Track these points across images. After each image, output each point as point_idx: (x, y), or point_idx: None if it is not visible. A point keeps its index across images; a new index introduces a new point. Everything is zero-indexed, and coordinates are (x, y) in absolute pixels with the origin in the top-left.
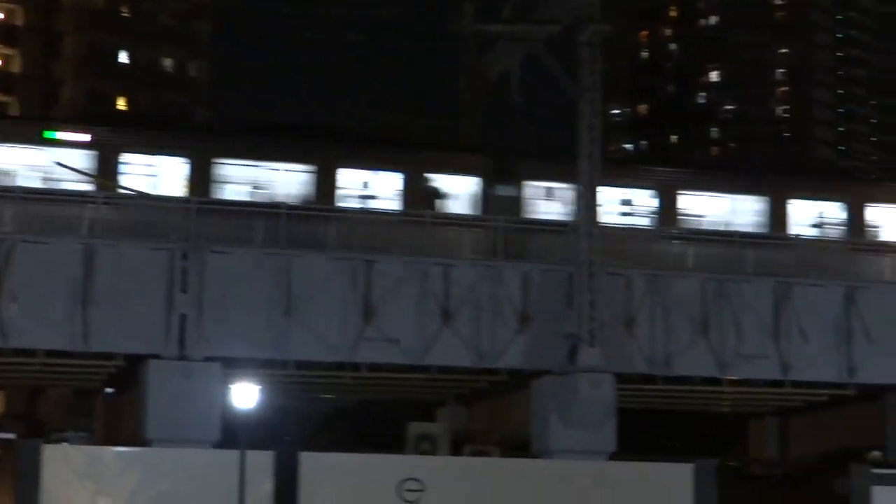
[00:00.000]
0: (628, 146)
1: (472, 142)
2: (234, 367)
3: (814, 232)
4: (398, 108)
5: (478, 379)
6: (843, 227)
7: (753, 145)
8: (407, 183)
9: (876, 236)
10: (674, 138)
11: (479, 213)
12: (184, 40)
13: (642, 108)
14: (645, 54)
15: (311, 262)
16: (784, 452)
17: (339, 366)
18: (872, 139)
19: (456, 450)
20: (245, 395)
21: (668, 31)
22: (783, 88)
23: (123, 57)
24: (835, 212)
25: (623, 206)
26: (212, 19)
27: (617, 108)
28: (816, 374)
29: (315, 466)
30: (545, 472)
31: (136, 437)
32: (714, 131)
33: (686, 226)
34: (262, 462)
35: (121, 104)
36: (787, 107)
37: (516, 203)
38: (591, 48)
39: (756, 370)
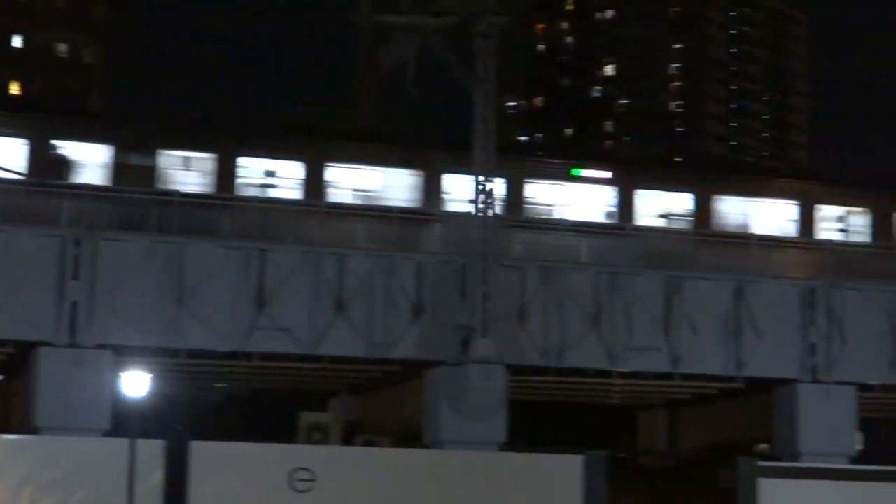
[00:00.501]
0: (523, 138)
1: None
2: (125, 355)
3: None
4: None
5: (371, 369)
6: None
7: (647, 139)
8: (32, 150)
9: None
10: (569, 131)
11: (110, 182)
12: (79, 25)
13: (538, 101)
14: (541, 47)
15: (205, 250)
16: (673, 444)
17: (232, 355)
18: (764, 135)
19: (348, 440)
20: (136, 384)
21: (565, 25)
22: (677, 83)
23: (17, 41)
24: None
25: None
26: (107, 4)
27: (513, 101)
28: (706, 367)
29: (205, 456)
30: (436, 462)
31: (25, 425)
32: (608, 125)
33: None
34: (152, 451)
35: (14, 89)
36: (681, 102)
37: (150, 173)
38: (486, 40)
39: (646, 363)
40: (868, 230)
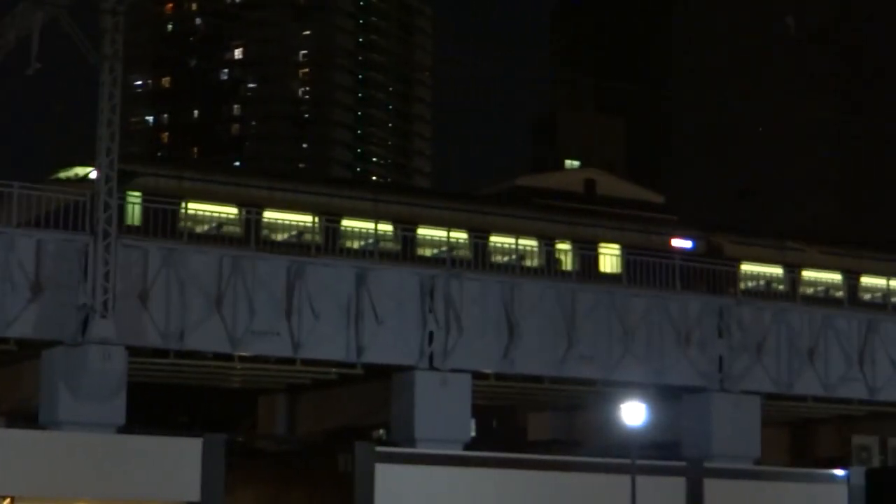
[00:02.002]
0: (149, 118)
1: None
2: None
3: None
4: None
5: None
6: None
7: (275, 125)
8: None
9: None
10: (196, 113)
11: None
12: None
13: (165, 81)
14: (170, 26)
15: None
16: (293, 429)
17: None
18: (389, 125)
19: None
20: None
21: (194, 5)
22: (305, 70)
23: None
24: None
25: None
26: None
27: (140, 80)
28: (326, 352)
29: None
30: (51, 443)
31: None
32: (236, 108)
33: None
34: None
35: None
36: (309, 88)
37: None
38: (114, 17)
39: (267, 347)
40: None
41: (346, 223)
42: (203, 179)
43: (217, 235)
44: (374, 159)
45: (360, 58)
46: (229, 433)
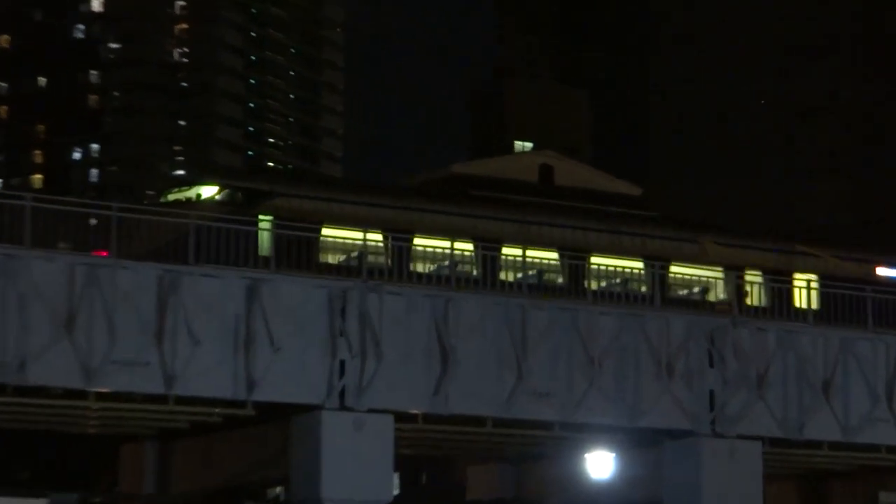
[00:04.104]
0: None
1: None
2: None
3: None
4: None
5: None
6: None
7: (143, 96)
8: None
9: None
10: (43, 81)
11: None
12: None
13: (4, 40)
14: None
15: None
16: (165, 487)
17: None
18: (290, 97)
19: None
20: None
21: None
22: (183, 26)
23: None
24: None
25: None
26: None
27: None
28: (208, 387)
29: None
30: None
31: None
32: (94, 75)
33: None
34: None
35: None
36: (187, 50)
37: None
38: None
39: (133, 381)
40: None
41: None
42: None
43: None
44: (271, 140)
45: (252, 10)
46: (83, 492)
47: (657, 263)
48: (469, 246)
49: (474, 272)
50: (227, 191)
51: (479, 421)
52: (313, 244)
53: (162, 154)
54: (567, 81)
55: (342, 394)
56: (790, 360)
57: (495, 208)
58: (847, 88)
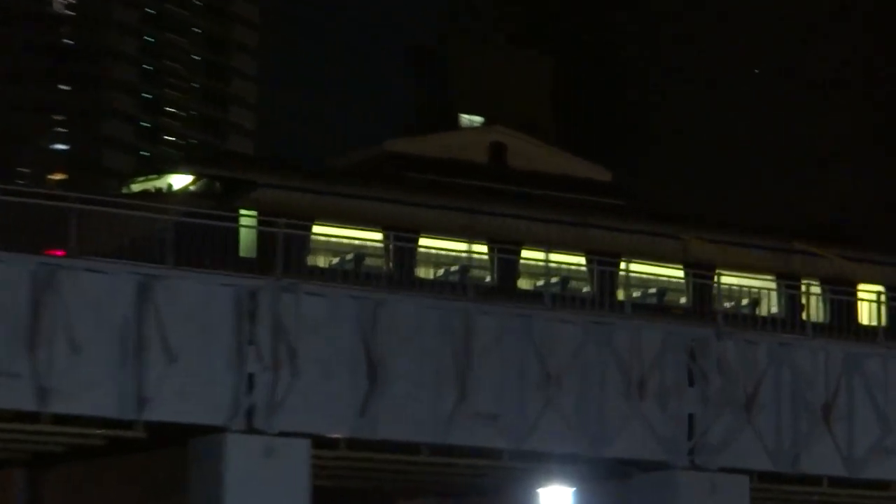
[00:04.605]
0: None
1: None
2: None
3: None
4: None
5: None
6: None
7: (16, 57)
8: None
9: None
10: None
11: None
12: None
13: None
14: None
15: None
16: None
17: None
18: (194, 57)
19: None
20: None
21: None
22: None
23: None
24: None
25: None
26: None
27: None
28: (90, 404)
29: None
30: None
31: None
32: None
33: None
34: None
35: None
36: (73, 1)
37: None
38: None
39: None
40: None
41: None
42: None
43: None
44: (171, 110)
45: None
46: None
47: (608, 261)
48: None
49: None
50: (203, 180)
51: (412, 448)
52: (304, 244)
53: (39, 125)
54: (527, 44)
55: (250, 413)
56: (784, 378)
57: (434, 194)
58: (858, 66)
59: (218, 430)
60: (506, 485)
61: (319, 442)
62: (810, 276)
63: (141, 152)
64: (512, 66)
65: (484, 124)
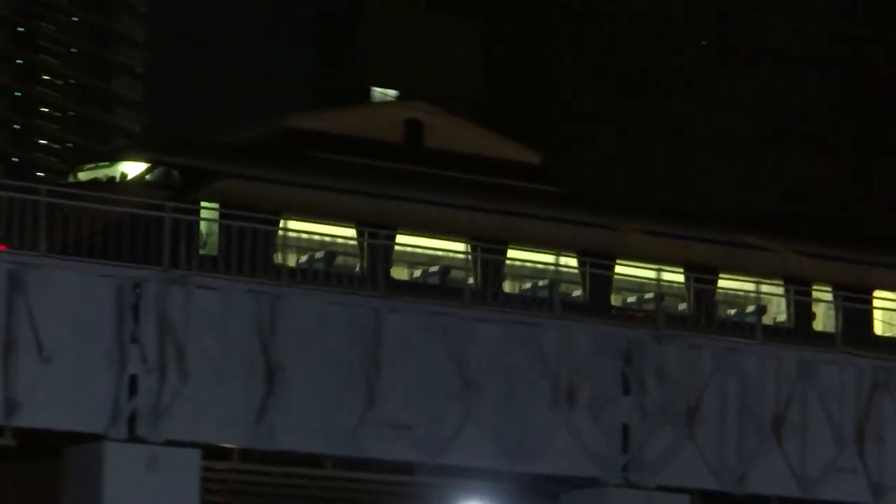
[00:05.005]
0: None
1: None
2: None
3: None
4: None
5: None
6: None
7: None
8: None
9: None
10: None
11: None
12: None
13: None
14: None
15: None
16: None
17: None
18: (73, 18)
19: None
20: None
21: None
22: None
23: None
24: None
25: None
26: None
27: None
28: None
29: None
30: None
31: None
32: None
33: None
34: None
35: None
36: None
37: None
38: None
39: None
40: None
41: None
42: None
43: None
44: (46, 77)
45: None
46: None
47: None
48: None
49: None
50: (159, 169)
51: (315, 460)
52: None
53: None
54: (450, 8)
55: (132, 420)
56: (731, 387)
57: (343, 176)
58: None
59: (96, 439)
60: (419, 502)
61: (210, 452)
62: (755, 272)
63: (14, 125)
64: (431, 32)
65: (399, 98)
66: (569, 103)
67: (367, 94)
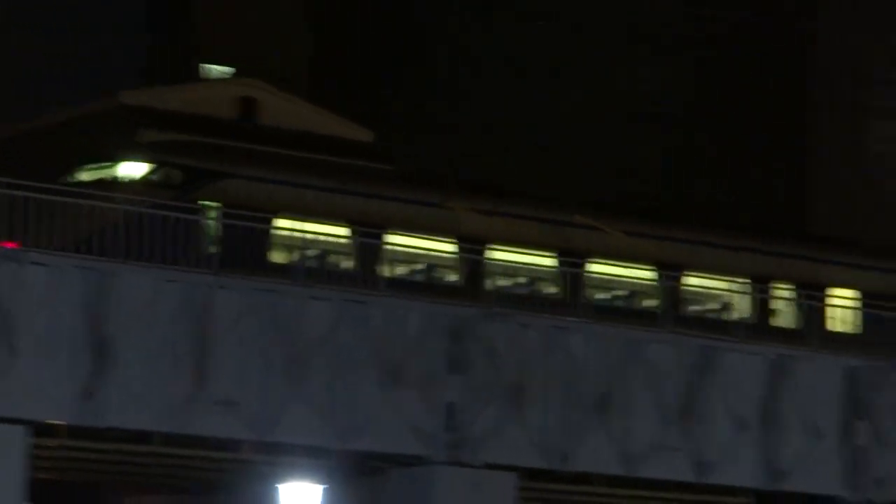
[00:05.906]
0: None
1: None
2: None
3: None
4: None
5: None
6: None
7: None
8: None
9: None
10: None
11: None
12: None
13: None
14: None
15: None
16: None
17: None
18: None
19: None
20: None
21: None
22: None
23: None
24: None
25: None
26: None
27: None
28: None
29: None
30: None
31: None
32: None
33: None
34: None
35: None
36: None
37: None
38: None
39: None
40: None
41: None
42: None
43: None
44: None
45: None
46: None
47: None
48: None
49: None
50: (162, 169)
51: (143, 437)
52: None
53: None
54: None
55: None
56: (558, 364)
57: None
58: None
59: None
60: (247, 480)
61: (38, 429)
62: (591, 253)
63: None
64: (267, 8)
65: (234, 76)
66: (400, 81)
67: (197, 71)
